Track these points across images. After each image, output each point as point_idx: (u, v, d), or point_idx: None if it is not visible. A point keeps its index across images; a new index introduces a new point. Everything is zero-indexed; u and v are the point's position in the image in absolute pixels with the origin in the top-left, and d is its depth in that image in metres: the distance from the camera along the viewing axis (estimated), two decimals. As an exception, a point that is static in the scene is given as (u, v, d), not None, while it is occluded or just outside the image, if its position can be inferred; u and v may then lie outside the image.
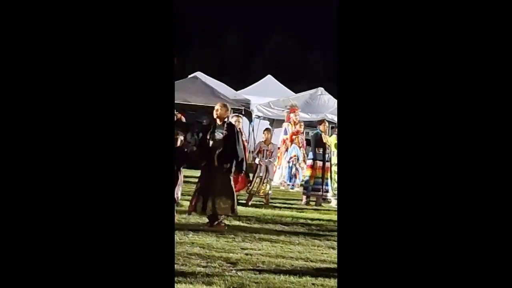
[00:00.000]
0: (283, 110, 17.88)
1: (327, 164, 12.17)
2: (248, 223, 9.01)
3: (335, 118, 19.98)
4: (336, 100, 21.76)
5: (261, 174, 11.65)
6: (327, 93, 21.45)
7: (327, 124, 12.92)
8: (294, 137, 15.70)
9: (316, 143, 12.30)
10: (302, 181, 13.73)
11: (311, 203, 12.08)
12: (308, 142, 15.32)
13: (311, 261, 6.71)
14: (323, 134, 12.35)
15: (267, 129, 12.73)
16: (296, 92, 23.84)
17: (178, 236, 7.35)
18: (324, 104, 20.75)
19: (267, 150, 11.80)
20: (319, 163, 12.17)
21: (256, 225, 8.91)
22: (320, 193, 12.11)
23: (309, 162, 12.60)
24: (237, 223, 8.91)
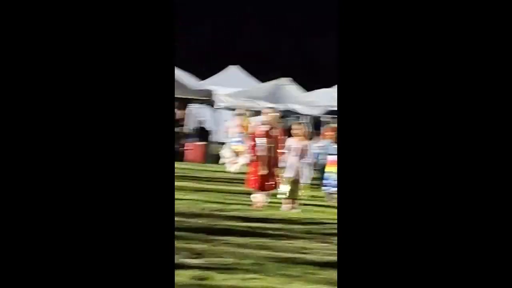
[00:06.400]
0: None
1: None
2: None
3: (299, 109, 19.83)
4: (301, 91, 21.69)
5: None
6: (291, 83, 21.28)
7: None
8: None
9: None
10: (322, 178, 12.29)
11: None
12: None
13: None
14: None
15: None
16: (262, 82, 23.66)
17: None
18: (289, 95, 20.55)
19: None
20: None
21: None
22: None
23: (333, 157, 11.45)
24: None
